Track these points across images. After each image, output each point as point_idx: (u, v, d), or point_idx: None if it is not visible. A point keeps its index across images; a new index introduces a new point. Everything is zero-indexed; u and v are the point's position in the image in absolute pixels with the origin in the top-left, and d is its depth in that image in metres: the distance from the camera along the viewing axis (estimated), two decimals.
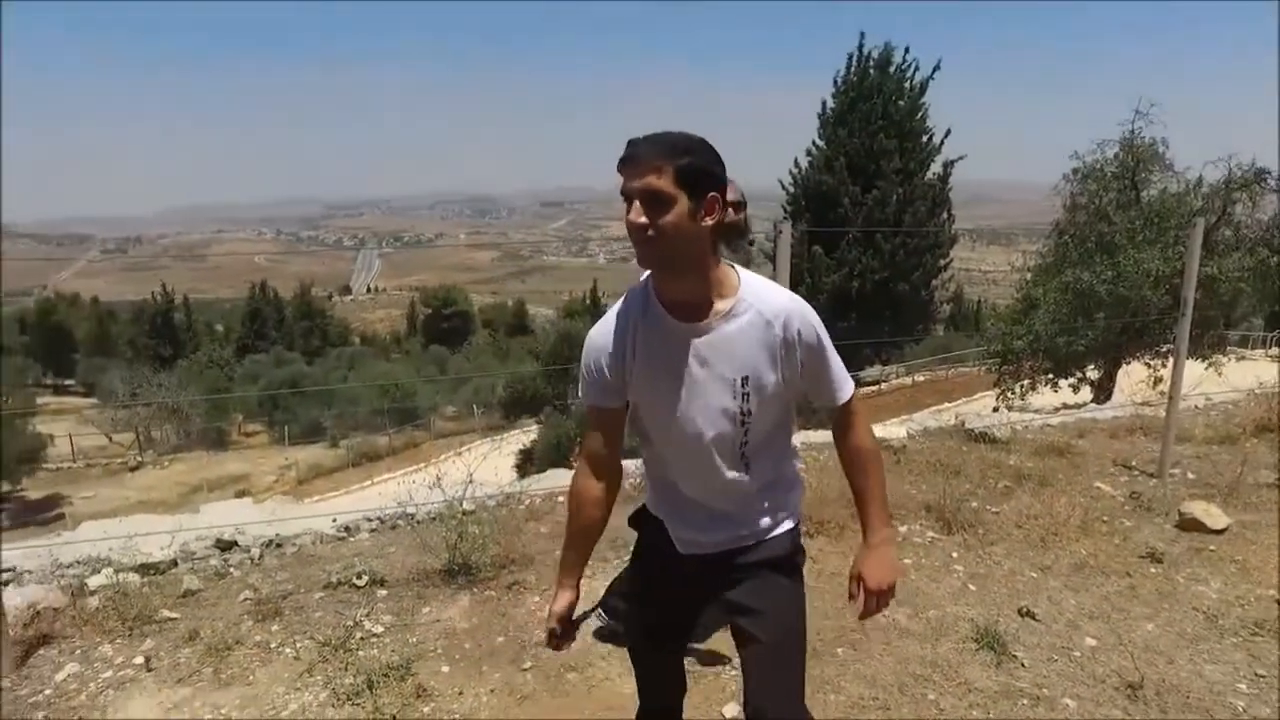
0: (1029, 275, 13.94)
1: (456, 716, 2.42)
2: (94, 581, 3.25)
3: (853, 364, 24.11)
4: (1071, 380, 13.44)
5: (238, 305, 59.17)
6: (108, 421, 26.35)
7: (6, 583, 3.38)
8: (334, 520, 4.00)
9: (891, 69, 23.79)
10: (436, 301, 67.33)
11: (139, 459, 23.88)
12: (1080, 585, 3.30)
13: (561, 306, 61.99)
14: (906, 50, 23.82)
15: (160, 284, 47.85)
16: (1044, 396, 13.02)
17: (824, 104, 24.93)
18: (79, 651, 2.81)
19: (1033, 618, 3.01)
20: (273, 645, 2.78)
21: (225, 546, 3.69)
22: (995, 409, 11.96)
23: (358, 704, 2.43)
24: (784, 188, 25.98)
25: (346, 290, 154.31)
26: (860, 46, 24.01)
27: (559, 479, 4.76)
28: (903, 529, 3.76)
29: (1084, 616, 3.05)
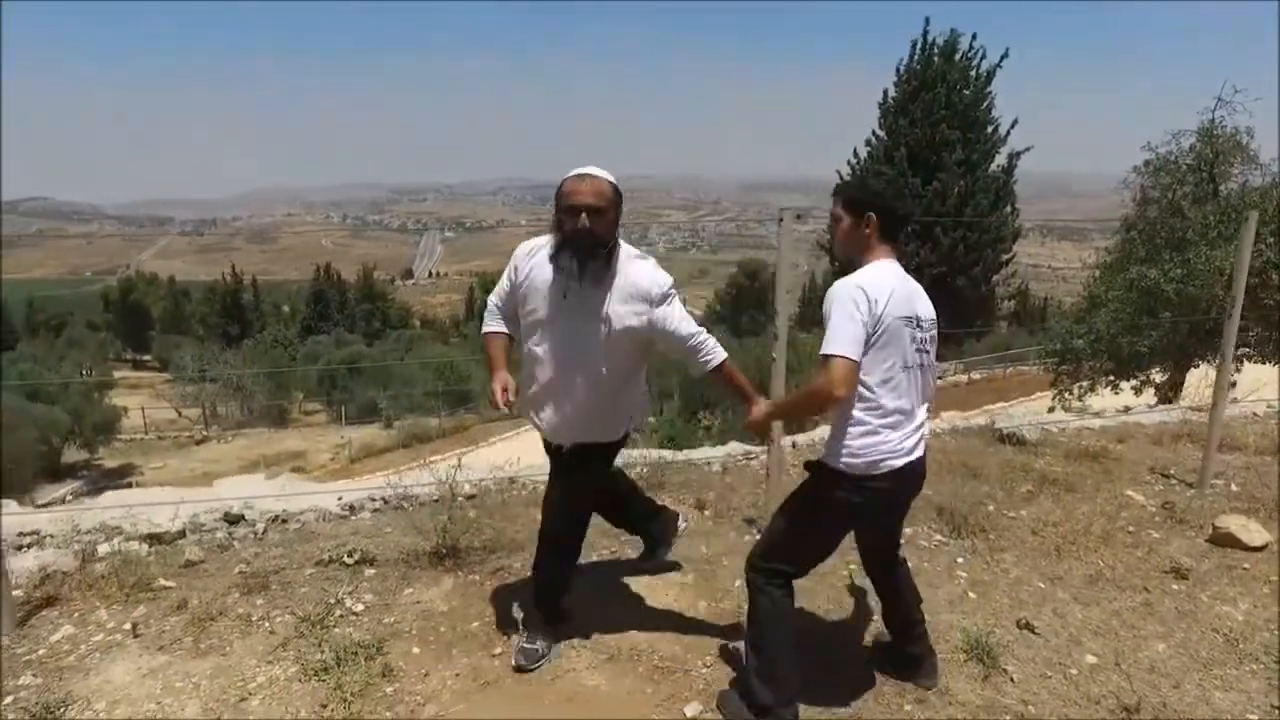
0: (1096, 272, 13.35)
1: (418, 698, 2.42)
2: (103, 549, 3.37)
3: None
4: (1134, 383, 12.84)
5: (303, 287, 61.02)
6: (178, 396, 27.49)
7: (29, 546, 3.53)
8: (339, 499, 4.06)
9: (957, 57, 23.04)
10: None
11: (204, 433, 24.87)
12: (1091, 599, 3.13)
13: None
14: (973, 38, 23.02)
15: (230, 265, 49.66)
16: (1104, 399, 12.48)
17: (885, 93, 24.32)
18: (77, 615, 2.91)
19: (1031, 630, 2.87)
20: (254, 618, 2.83)
21: (233, 520, 3.78)
22: (1050, 409, 11.52)
23: (323, 680, 2.45)
24: (841, 179, 25.48)
25: (409, 274, 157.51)
26: (925, 34, 23.32)
27: None
28: (908, 530, 3.62)
29: (1089, 632, 2.89)
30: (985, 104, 22.95)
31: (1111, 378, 12.94)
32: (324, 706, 2.33)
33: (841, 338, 2.01)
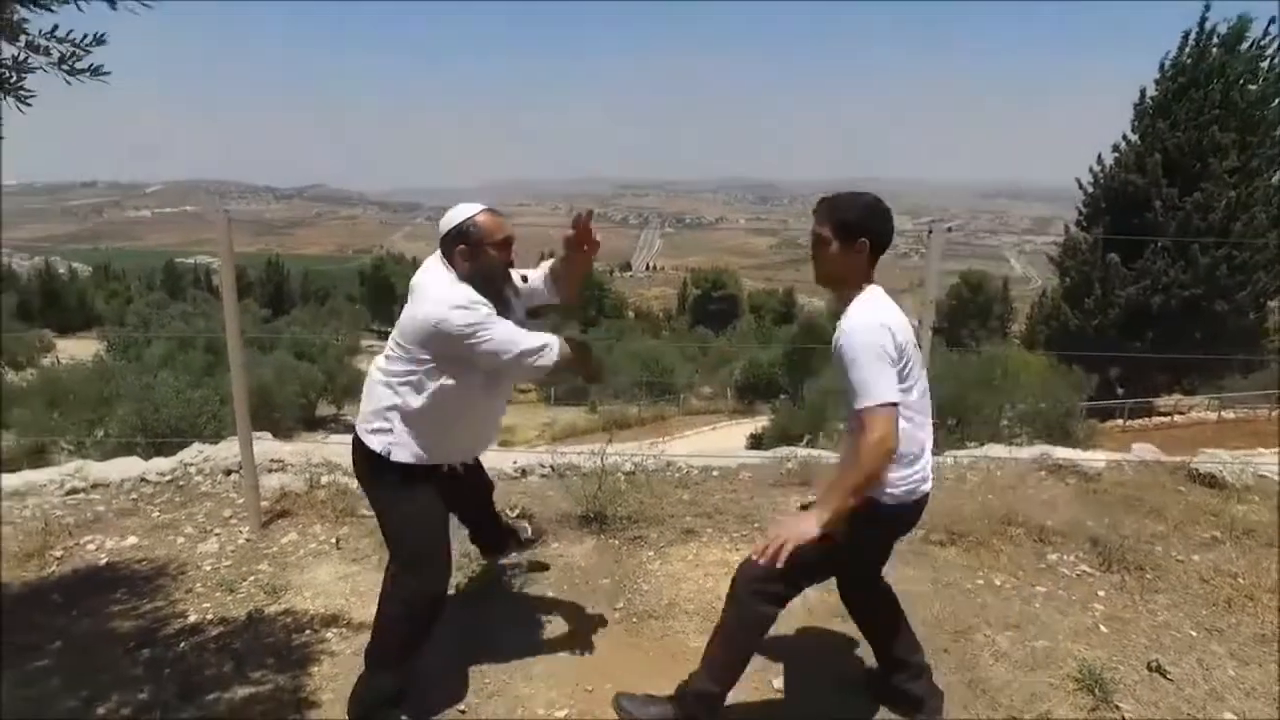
0: None
1: (546, 632, 2.81)
2: (324, 479, 4.12)
3: (1140, 389, 21.06)
4: None
5: None
6: None
7: (275, 470, 4.39)
8: (514, 462, 4.59)
9: (1243, 47, 20.03)
10: (707, 283, 69.35)
11: None
12: (1254, 658, 2.87)
13: (832, 298, 60.63)
14: (1271, 22, 19.72)
15: None
16: None
17: (1142, 92, 21.82)
18: (301, 526, 3.64)
19: (1164, 675, 2.71)
20: None
21: None
22: None
23: (467, 603, 2.91)
24: (1081, 187, 23.24)
25: (627, 266, 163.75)
26: (1202, 21, 20.50)
27: (740, 457, 4.95)
28: (1051, 557, 3.49)
29: (1238, 691, 2.67)
30: (1277, 102, 19.82)
31: None
32: (461, 628, 2.78)
33: (883, 385, 1.91)
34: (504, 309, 2.26)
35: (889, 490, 2.06)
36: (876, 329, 1.95)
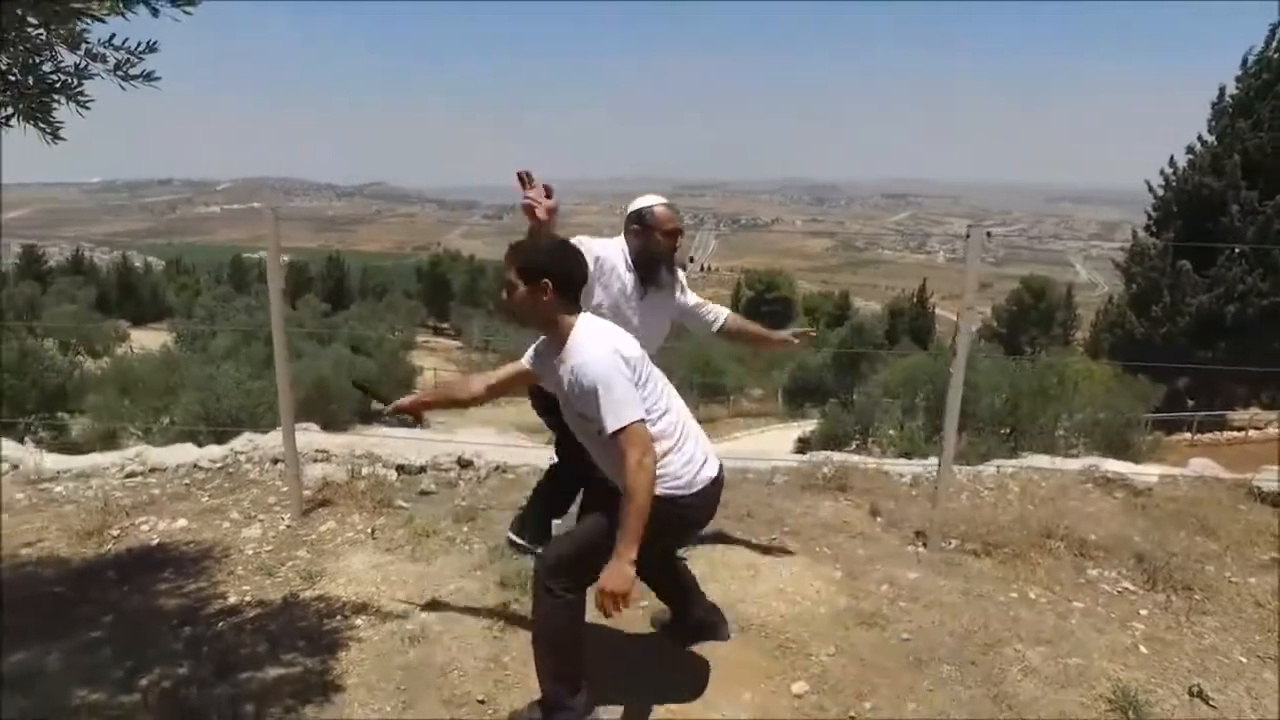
0: None
1: None
2: (365, 470, 4.23)
3: (1212, 401, 20.13)
4: None
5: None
6: (465, 361, 31.45)
7: (319, 460, 4.52)
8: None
9: None
10: (760, 285, 68.85)
11: None
12: None
13: (889, 302, 59.61)
14: None
15: None
16: None
17: (1221, 90, 20.87)
18: (340, 515, 3.75)
19: (1205, 700, 2.60)
20: (458, 540, 3.46)
21: (464, 464, 4.51)
22: None
23: (498, 597, 2.97)
24: (1151, 190, 22.36)
25: (682, 266, 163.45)
26: None
27: (767, 458, 4.91)
28: (1092, 572, 3.38)
29: None
30: None
31: None
32: (487, 619, 2.84)
33: (629, 406, 2.03)
34: (656, 288, 2.87)
35: (671, 484, 2.17)
36: (608, 355, 2.08)
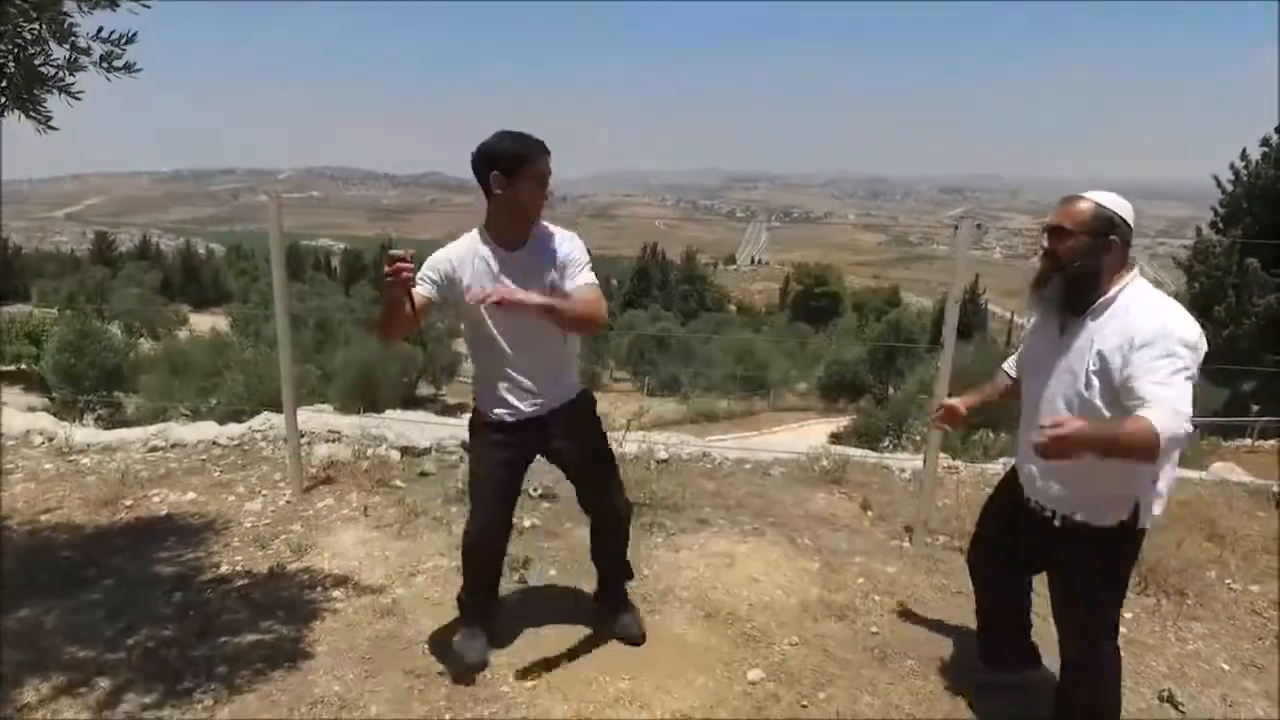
0: None
1: (537, 606, 2.91)
2: (370, 451, 4.36)
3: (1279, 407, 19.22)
4: None
5: (633, 263, 66.26)
6: None
7: (330, 440, 4.67)
8: None
9: None
10: (809, 279, 68.16)
11: None
12: None
13: (939, 298, 58.40)
14: None
15: None
16: None
17: None
18: (339, 493, 3.88)
19: (1175, 706, 2.54)
20: (445, 520, 3.55)
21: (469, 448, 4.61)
22: None
23: None
24: (1220, 185, 21.43)
25: (731, 260, 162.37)
26: None
27: (773, 448, 4.90)
28: None
29: None
30: None
31: None
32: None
33: None
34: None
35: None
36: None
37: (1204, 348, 1.85)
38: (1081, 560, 2.09)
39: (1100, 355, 1.90)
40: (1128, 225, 1.96)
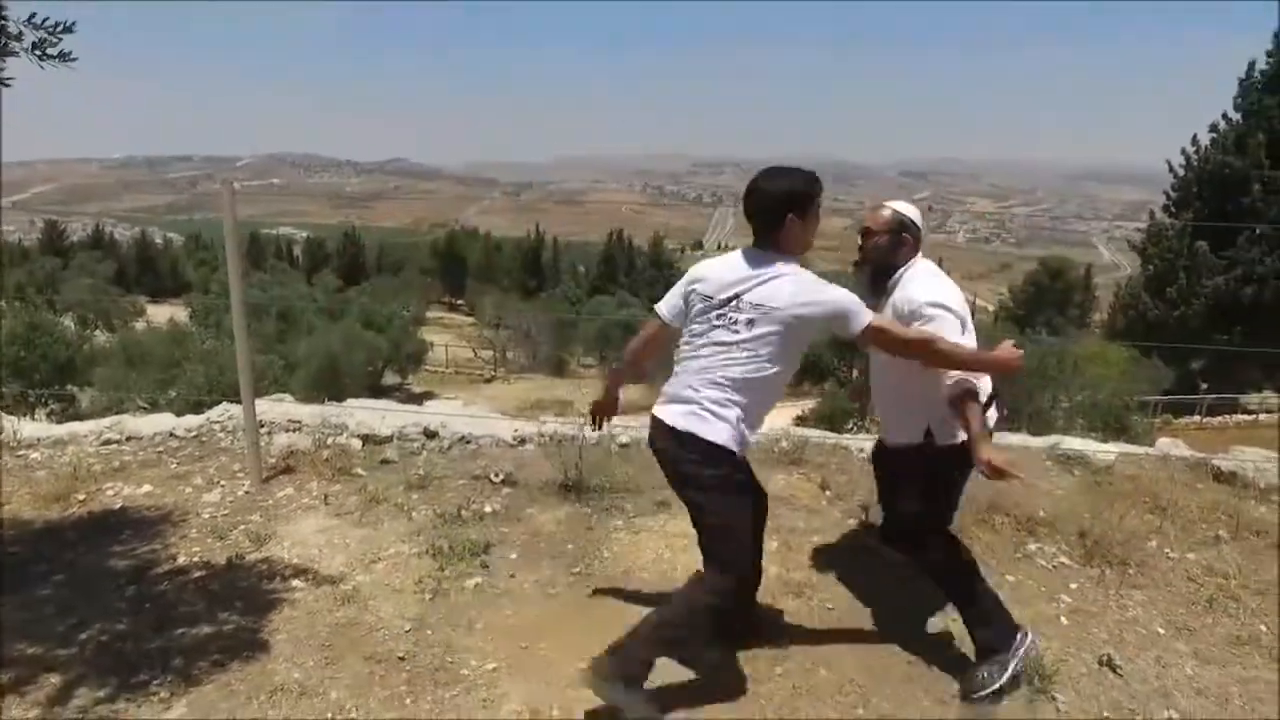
0: None
1: (499, 590, 2.93)
2: (331, 440, 4.33)
3: (1226, 384, 19.90)
4: None
5: (599, 249, 65.99)
6: (477, 338, 31.61)
7: (291, 430, 4.63)
8: (515, 431, 4.72)
9: None
10: None
11: (493, 373, 28.39)
12: (1221, 659, 2.78)
13: None
14: None
15: (535, 225, 55.54)
16: None
17: (1250, 65, 20.40)
18: (299, 482, 3.85)
19: (1113, 669, 2.65)
20: (406, 507, 3.54)
21: (430, 435, 4.60)
22: None
23: (434, 560, 3.06)
24: (1172, 170, 21.96)
25: (698, 245, 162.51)
26: None
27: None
28: (1031, 547, 3.42)
29: (1189, 690, 2.60)
30: None
31: None
32: (419, 581, 2.93)
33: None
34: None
35: None
36: None
37: (950, 300, 2.40)
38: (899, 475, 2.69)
39: (893, 310, 2.48)
40: (917, 226, 2.57)
